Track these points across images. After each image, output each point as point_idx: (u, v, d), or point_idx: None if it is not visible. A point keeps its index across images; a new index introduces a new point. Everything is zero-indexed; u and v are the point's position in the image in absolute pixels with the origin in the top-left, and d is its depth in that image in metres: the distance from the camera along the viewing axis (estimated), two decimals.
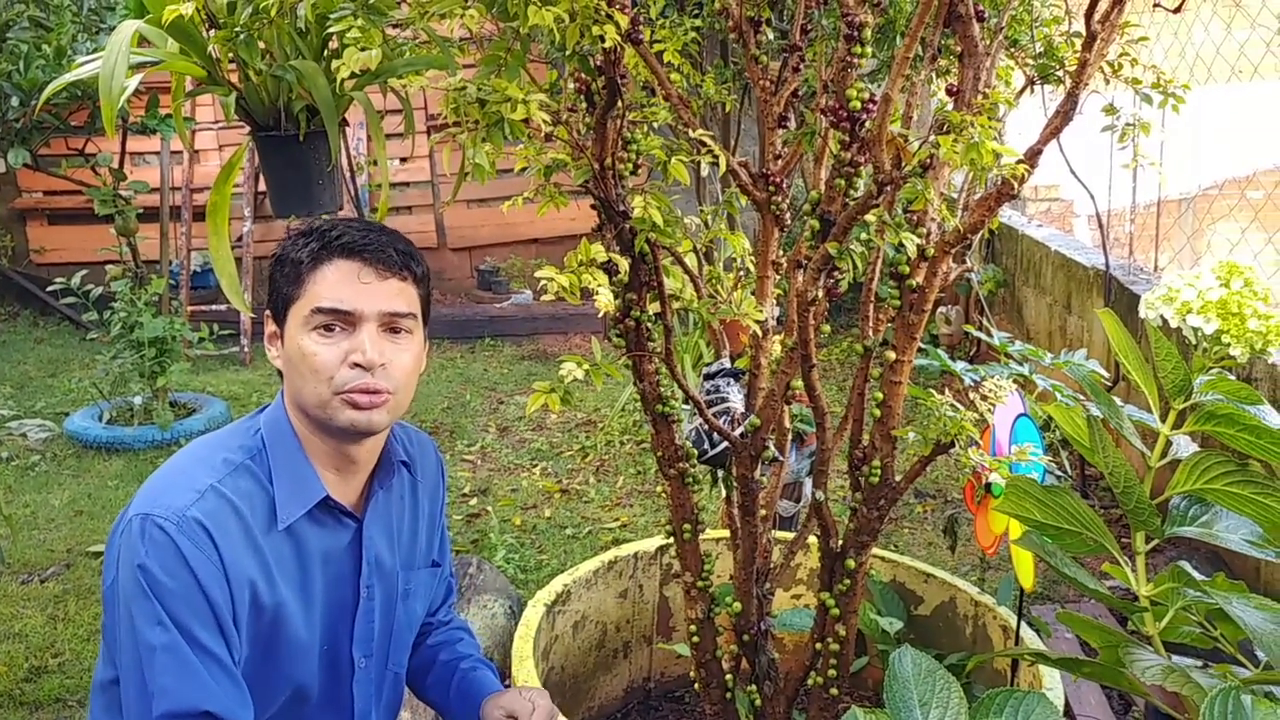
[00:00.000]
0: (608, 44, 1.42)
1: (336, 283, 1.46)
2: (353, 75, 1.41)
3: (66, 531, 4.06)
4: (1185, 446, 1.65)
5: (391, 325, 1.49)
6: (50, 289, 5.52)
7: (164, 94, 4.84)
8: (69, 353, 6.54)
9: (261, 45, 1.89)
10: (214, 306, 6.75)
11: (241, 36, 1.73)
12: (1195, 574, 1.55)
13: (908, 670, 1.34)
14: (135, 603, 1.38)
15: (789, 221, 1.93)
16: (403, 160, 7.62)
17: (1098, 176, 4.05)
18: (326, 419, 1.47)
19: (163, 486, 1.45)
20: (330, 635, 1.57)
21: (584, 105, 1.68)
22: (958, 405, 1.69)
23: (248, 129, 2.19)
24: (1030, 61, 2.07)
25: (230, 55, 1.93)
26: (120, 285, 4.80)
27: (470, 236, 7.89)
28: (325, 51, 1.95)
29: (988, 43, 1.68)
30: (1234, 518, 1.58)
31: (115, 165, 4.94)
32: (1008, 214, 5.68)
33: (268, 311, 1.54)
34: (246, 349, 6.45)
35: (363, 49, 1.36)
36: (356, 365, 1.45)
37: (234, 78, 2.05)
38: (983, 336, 2.28)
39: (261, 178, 6.52)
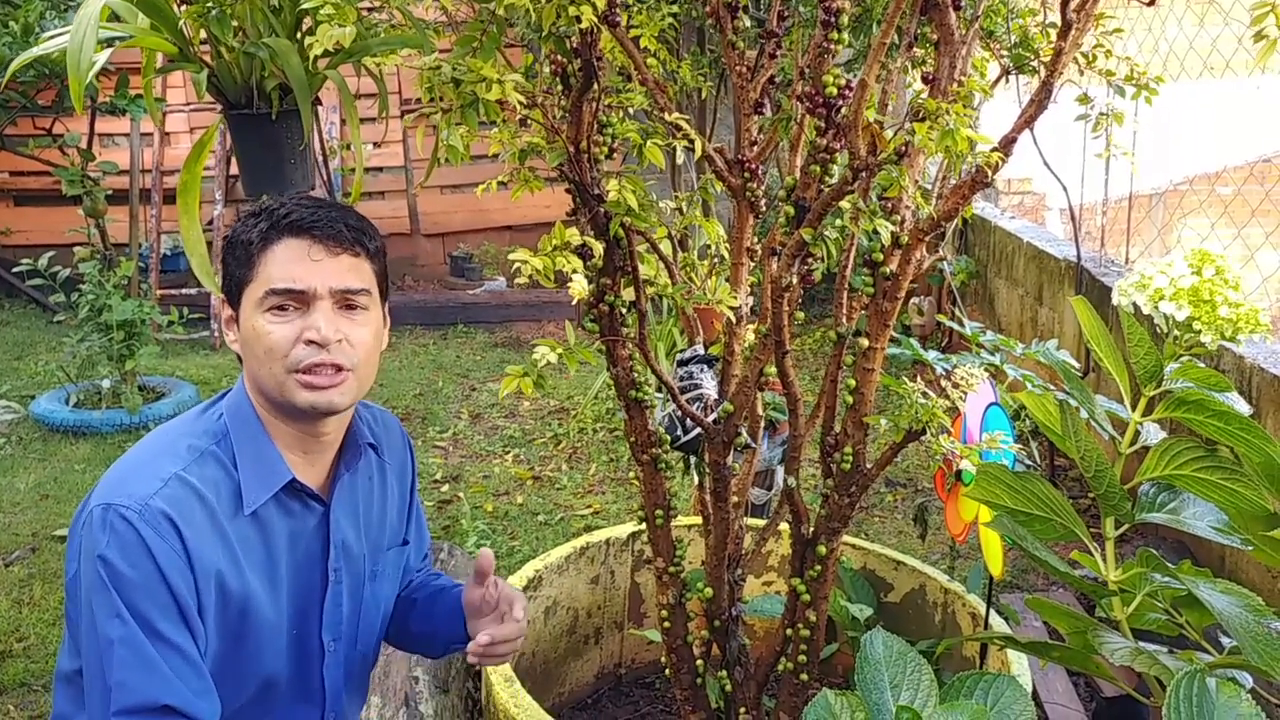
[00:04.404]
0: (584, 25, 1.41)
1: (287, 261, 1.43)
2: (326, 53, 1.40)
3: (32, 515, 4.02)
4: (1154, 433, 1.66)
5: (346, 302, 1.46)
6: (16, 270, 5.45)
7: (134, 74, 4.78)
8: (35, 335, 6.46)
9: (234, 22, 1.87)
10: (184, 290, 6.69)
11: (214, 12, 1.71)
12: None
13: (879, 652, 1.34)
14: (95, 595, 1.35)
15: (764, 209, 1.93)
16: (376, 145, 7.55)
17: (1070, 170, 4.07)
18: (285, 400, 1.45)
19: (125, 475, 1.42)
20: (299, 619, 1.55)
21: (560, 88, 1.67)
22: (929, 393, 1.69)
23: (219, 108, 2.17)
24: (1005, 52, 2.08)
25: (202, 32, 1.90)
26: (89, 267, 4.74)
27: (444, 223, 7.85)
28: (299, 29, 1.93)
29: (964, 31, 1.68)
30: (1201, 504, 1.60)
31: (84, 146, 4.88)
32: (980, 206, 5.71)
33: (221, 296, 1.51)
34: (216, 333, 6.40)
35: (337, 25, 1.34)
36: (311, 343, 1.42)
37: (206, 55, 2.03)
38: (955, 326, 2.29)
39: (233, 160, 6.48)
